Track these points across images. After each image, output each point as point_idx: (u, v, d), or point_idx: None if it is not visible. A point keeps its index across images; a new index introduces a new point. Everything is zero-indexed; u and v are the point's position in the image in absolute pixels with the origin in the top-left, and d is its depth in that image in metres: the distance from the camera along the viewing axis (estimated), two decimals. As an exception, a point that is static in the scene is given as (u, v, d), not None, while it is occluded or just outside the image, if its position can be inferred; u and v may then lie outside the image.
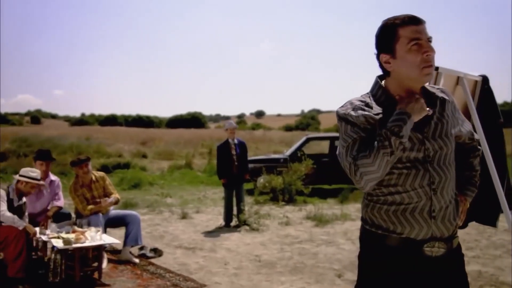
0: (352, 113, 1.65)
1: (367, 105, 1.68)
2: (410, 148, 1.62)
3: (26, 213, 4.69)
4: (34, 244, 4.72)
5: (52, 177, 5.46)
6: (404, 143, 1.55)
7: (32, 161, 5.47)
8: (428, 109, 1.62)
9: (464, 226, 3.42)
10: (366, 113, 1.64)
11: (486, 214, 3.26)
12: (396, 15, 1.65)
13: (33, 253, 4.75)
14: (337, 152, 1.70)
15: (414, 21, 1.61)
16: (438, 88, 1.78)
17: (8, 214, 4.38)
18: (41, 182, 4.74)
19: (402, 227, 1.64)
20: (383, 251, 1.68)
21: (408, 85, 1.66)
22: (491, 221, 3.31)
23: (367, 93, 1.74)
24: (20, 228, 4.41)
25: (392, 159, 1.55)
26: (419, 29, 1.60)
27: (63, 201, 5.47)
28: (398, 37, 1.61)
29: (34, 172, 4.71)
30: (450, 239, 1.68)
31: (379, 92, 1.71)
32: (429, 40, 1.62)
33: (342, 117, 1.66)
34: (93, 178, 5.37)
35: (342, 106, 1.70)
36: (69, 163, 5.99)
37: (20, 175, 4.62)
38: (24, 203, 4.66)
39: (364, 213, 1.76)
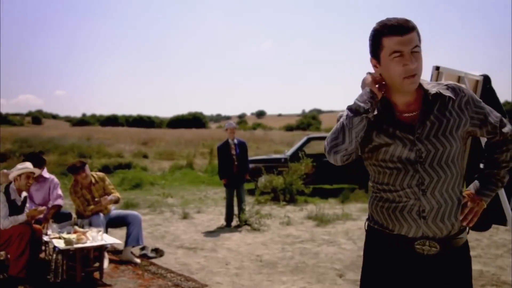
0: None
1: None
2: (401, 147, 1.64)
3: (27, 205, 4.69)
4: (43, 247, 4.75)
5: (46, 174, 5.45)
6: (359, 106, 1.62)
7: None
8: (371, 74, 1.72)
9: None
10: None
11: (497, 214, 3.24)
12: (387, 20, 1.63)
13: (40, 253, 4.78)
14: None
15: (399, 31, 1.59)
16: (445, 85, 1.73)
17: (7, 222, 4.38)
18: (34, 169, 4.72)
19: (393, 225, 1.70)
20: (381, 247, 1.75)
21: (395, 89, 1.68)
22: (501, 220, 3.29)
23: None
24: (21, 221, 4.42)
25: (353, 125, 1.61)
26: (403, 40, 1.58)
27: (62, 200, 5.45)
28: (382, 46, 1.63)
29: (22, 164, 4.72)
30: (447, 239, 1.67)
31: None
32: (414, 50, 1.60)
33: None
34: (93, 180, 5.36)
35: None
36: (66, 169, 5.94)
37: (13, 173, 4.62)
38: (25, 197, 4.67)
39: (368, 208, 1.84)
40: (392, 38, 1.59)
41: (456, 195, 1.67)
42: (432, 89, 1.70)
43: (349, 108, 1.63)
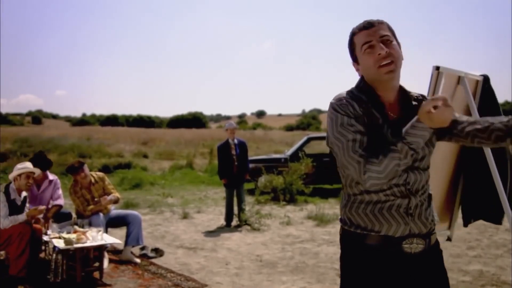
0: (347, 104, 1.65)
1: (353, 98, 1.68)
2: None
3: (27, 205, 4.69)
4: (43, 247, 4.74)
5: (51, 177, 5.45)
6: (417, 156, 1.64)
7: None
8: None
9: (466, 223, 3.42)
10: (354, 107, 1.65)
11: (492, 211, 3.26)
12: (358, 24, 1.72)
13: (40, 253, 4.77)
14: (329, 143, 1.68)
15: (365, 27, 1.68)
16: (418, 93, 1.80)
17: (7, 221, 4.38)
18: (34, 169, 4.72)
19: (380, 225, 1.66)
20: (363, 251, 1.69)
21: (378, 86, 1.68)
22: (497, 219, 3.31)
23: (353, 88, 1.75)
24: (21, 220, 4.42)
25: (401, 168, 1.59)
26: (370, 32, 1.66)
27: (63, 200, 5.46)
28: (354, 45, 1.71)
29: (22, 164, 4.72)
30: (428, 235, 1.71)
31: (361, 84, 1.74)
32: (383, 38, 1.64)
33: (336, 109, 1.66)
34: (92, 180, 5.36)
35: (335, 98, 1.69)
36: (65, 170, 5.92)
37: (13, 173, 4.62)
38: (25, 197, 4.67)
39: (342, 213, 1.77)
40: (360, 33, 1.69)
41: (428, 194, 1.74)
42: (411, 93, 1.76)
43: (411, 156, 1.56)
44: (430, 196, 1.75)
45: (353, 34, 1.71)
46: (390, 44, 1.65)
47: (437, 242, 1.78)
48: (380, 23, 1.68)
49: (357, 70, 1.75)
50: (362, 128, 1.62)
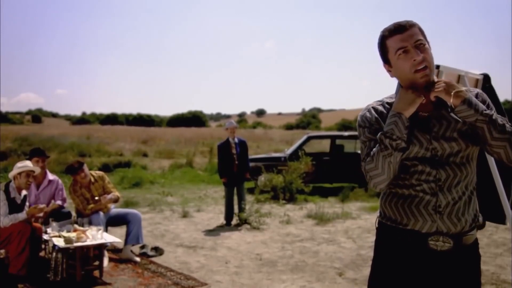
0: (367, 114, 1.78)
1: (382, 105, 1.79)
2: (418, 147, 1.67)
3: (27, 203, 4.69)
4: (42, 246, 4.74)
5: (51, 176, 5.45)
6: (400, 143, 1.63)
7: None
8: (421, 96, 1.66)
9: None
10: (377, 115, 1.75)
11: (496, 212, 3.25)
12: (388, 25, 1.71)
13: (39, 252, 4.77)
14: None
15: (398, 30, 1.67)
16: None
17: (7, 220, 4.38)
18: (34, 168, 4.72)
19: (407, 219, 1.70)
20: (393, 243, 1.75)
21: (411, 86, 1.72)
22: (501, 219, 3.31)
23: (391, 95, 1.84)
24: (21, 219, 4.42)
25: (393, 160, 1.64)
26: (404, 37, 1.65)
27: (66, 204, 5.45)
28: (387, 48, 1.71)
29: (22, 163, 4.72)
30: (459, 235, 1.68)
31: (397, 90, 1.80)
32: (417, 43, 1.65)
33: (359, 122, 1.80)
34: (92, 179, 5.36)
35: (362, 110, 1.82)
36: (64, 170, 5.92)
37: (13, 171, 4.62)
38: (25, 196, 4.67)
39: (379, 205, 1.85)
40: (394, 37, 1.68)
41: (469, 192, 1.71)
42: None
43: (390, 145, 1.63)
44: (470, 195, 1.71)
45: (384, 37, 1.71)
46: (424, 49, 1.66)
47: (473, 244, 1.75)
48: (412, 25, 1.67)
49: (389, 71, 1.76)
50: (372, 135, 1.73)
